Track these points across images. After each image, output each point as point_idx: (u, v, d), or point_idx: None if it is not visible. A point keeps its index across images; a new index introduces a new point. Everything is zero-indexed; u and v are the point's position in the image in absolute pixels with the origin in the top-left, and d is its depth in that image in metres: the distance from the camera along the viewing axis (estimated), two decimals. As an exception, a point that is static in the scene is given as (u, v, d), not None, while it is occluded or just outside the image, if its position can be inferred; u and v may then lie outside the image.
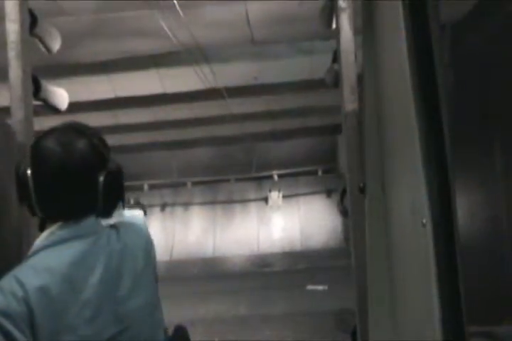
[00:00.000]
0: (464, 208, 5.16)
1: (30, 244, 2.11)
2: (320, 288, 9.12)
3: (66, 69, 6.28)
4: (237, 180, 14.06)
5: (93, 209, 1.36)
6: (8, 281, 1.22)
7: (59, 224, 1.33)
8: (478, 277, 3.38)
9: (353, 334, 2.57)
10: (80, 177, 1.32)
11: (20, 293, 1.19)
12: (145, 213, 1.84)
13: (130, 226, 1.52)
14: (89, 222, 1.35)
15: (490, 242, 5.03)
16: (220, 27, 5.59)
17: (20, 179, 1.33)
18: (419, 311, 1.36)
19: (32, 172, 1.31)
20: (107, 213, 1.40)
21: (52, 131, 1.36)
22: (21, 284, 1.20)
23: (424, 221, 1.21)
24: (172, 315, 2.03)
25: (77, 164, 1.31)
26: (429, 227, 1.19)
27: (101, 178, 1.33)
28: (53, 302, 1.21)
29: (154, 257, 1.50)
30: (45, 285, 1.21)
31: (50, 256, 1.28)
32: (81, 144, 1.32)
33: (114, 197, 1.39)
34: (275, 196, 13.41)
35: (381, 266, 1.80)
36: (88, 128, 1.40)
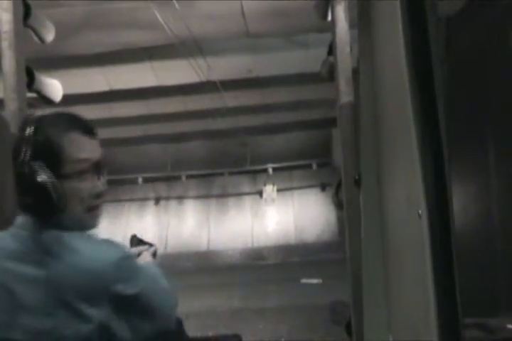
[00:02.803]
0: (459, 201, 5.19)
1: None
2: (314, 281, 9.16)
3: (60, 61, 6.24)
4: (232, 173, 14.06)
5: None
6: None
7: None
8: (473, 269, 3.40)
9: (348, 326, 2.59)
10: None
11: None
12: (154, 255, 1.58)
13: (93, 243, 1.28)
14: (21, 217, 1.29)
15: (484, 234, 5.06)
16: (215, 20, 5.57)
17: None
18: (415, 302, 1.36)
19: None
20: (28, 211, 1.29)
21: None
22: None
23: (420, 212, 1.21)
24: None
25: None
26: (425, 218, 1.19)
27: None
28: None
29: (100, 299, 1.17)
30: None
31: None
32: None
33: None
34: (269, 189, 13.43)
35: (377, 257, 1.80)
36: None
